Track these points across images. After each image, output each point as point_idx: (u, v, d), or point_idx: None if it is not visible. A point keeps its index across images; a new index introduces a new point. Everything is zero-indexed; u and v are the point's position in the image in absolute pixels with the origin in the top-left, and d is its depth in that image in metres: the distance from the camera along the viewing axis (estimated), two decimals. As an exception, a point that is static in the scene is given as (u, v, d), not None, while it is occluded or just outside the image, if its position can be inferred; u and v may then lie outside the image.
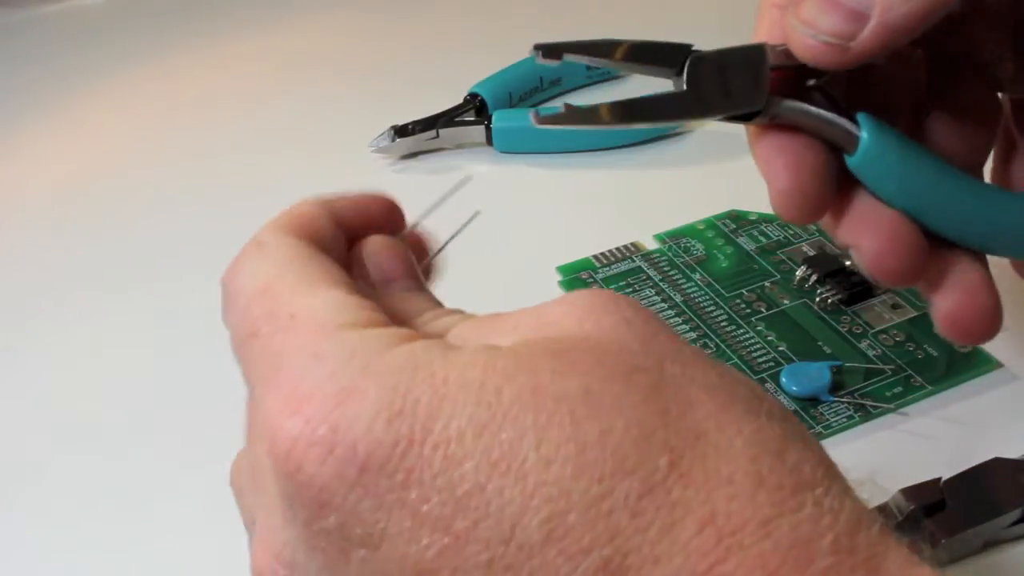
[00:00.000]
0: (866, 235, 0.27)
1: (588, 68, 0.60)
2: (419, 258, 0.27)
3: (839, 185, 0.27)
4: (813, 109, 0.27)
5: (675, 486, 0.18)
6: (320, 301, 0.22)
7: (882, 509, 0.32)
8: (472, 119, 0.55)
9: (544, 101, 0.59)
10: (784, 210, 0.27)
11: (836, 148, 0.27)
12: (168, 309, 0.45)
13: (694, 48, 0.27)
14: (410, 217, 0.27)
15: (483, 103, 0.56)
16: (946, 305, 0.27)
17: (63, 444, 0.39)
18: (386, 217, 0.27)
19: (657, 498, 0.18)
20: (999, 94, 0.32)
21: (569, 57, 0.27)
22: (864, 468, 0.35)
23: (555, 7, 0.70)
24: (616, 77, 0.61)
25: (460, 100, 0.56)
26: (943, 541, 0.31)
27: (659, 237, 0.46)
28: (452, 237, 0.27)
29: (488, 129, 0.54)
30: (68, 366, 0.43)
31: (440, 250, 0.27)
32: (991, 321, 0.28)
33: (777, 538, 0.17)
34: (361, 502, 0.19)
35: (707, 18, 0.60)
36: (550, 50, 0.27)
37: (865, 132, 0.27)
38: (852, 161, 0.27)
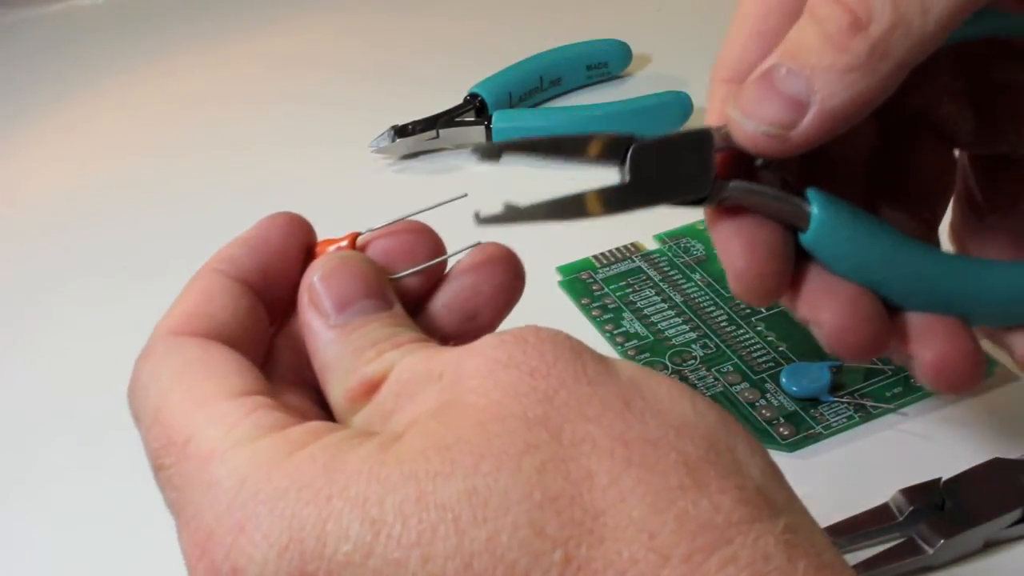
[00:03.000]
0: (825, 310, 0.26)
1: (588, 68, 0.60)
2: (403, 259, 0.26)
3: (796, 261, 0.27)
4: (762, 189, 0.26)
5: None
6: (208, 421, 0.21)
7: (882, 509, 0.33)
8: (472, 119, 0.55)
9: (544, 101, 0.59)
10: (742, 292, 0.27)
11: (789, 226, 0.27)
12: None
13: (637, 137, 0.26)
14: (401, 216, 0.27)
15: (483, 103, 0.56)
16: (929, 356, 0.27)
17: (63, 443, 0.39)
18: (292, 237, 0.26)
19: None
20: (955, 152, 0.32)
21: (508, 157, 0.26)
22: (864, 468, 0.35)
23: (555, 7, 0.70)
24: (616, 78, 0.61)
25: (460, 100, 0.56)
26: (943, 541, 0.31)
27: (659, 237, 0.46)
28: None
29: (488, 129, 0.54)
30: (68, 365, 0.43)
31: (426, 265, 0.26)
32: (976, 366, 0.27)
33: None
34: None
35: (705, 17, 0.60)
36: (488, 152, 0.26)
37: (816, 208, 0.26)
38: (805, 238, 0.26)
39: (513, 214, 0.26)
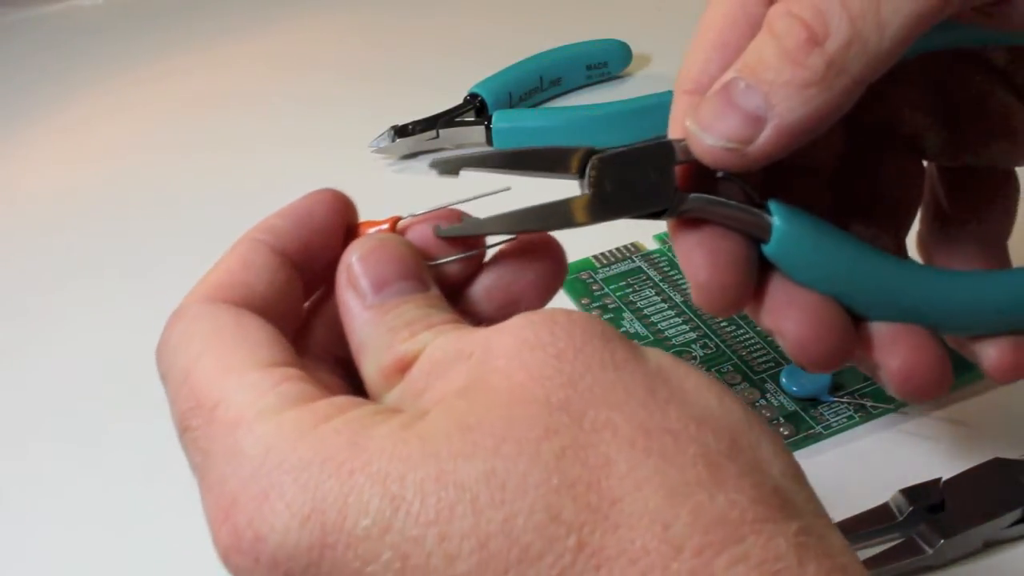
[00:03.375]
0: (788, 321, 0.26)
1: (588, 67, 0.60)
2: (442, 245, 0.26)
3: (760, 271, 0.27)
4: (723, 201, 0.26)
5: (586, 568, 0.18)
6: (238, 388, 0.22)
7: (882, 509, 0.33)
8: (472, 119, 0.55)
9: (544, 101, 0.59)
10: (705, 303, 0.27)
11: (752, 237, 0.27)
12: (168, 309, 0.45)
13: (597, 149, 0.26)
14: (410, 213, 0.27)
15: (483, 103, 0.56)
16: (895, 365, 0.27)
17: (63, 443, 0.39)
18: (336, 214, 0.26)
19: None
20: (923, 162, 0.32)
21: (467, 171, 0.26)
22: (864, 468, 0.35)
23: (555, 7, 0.70)
24: (616, 78, 0.61)
25: (460, 100, 0.56)
26: (943, 541, 0.31)
27: (659, 237, 0.46)
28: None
29: (488, 129, 0.54)
30: (68, 365, 0.43)
31: (465, 255, 0.26)
32: (944, 374, 0.27)
33: None
34: None
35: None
36: (446, 166, 0.26)
37: (777, 219, 0.26)
38: (768, 249, 0.26)
39: (472, 225, 0.26)
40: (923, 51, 0.26)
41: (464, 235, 0.26)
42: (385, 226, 0.26)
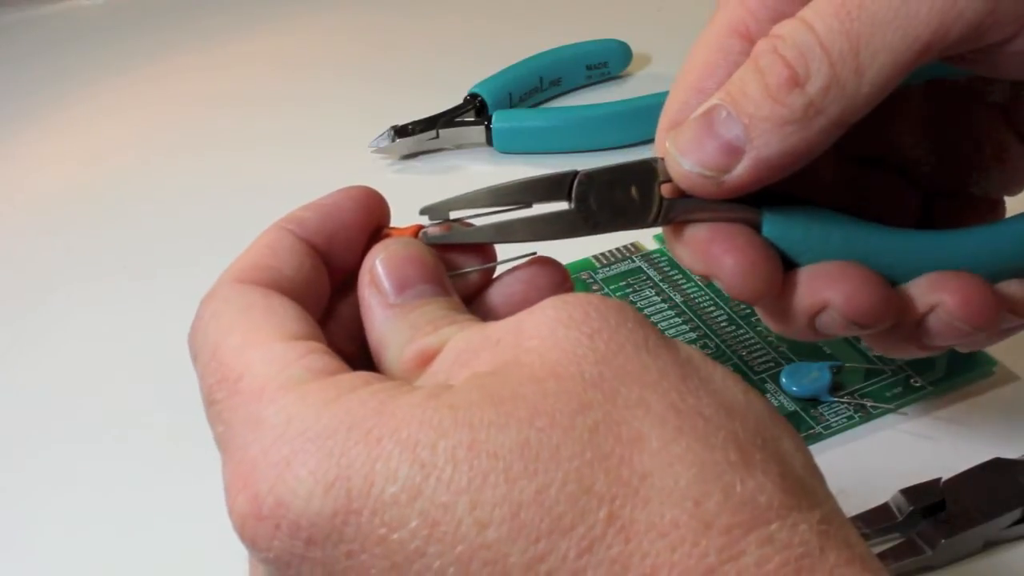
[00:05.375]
0: (832, 291, 0.26)
1: (588, 68, 0.60)
2: (459, 257, 0.27)
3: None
4: (711, 203, 0.27)
5: (615, 541, 0.18)
6: (262, 359, 0.22)
7: (882, 509, 0.33)
8: (472, 119, 0.55)
9: (544, 101, 0.59)
10: (744, 290, 0.27)
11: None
12: (168, 309, 0.45)
13: (580, 170, 0.27)
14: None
15: (483, 103, 0.56)
16: (953, 300, 0.27)
17: (63, 443, 0.39)
18: (364, 212, 0.27)
19: (596, 555, 0.18)
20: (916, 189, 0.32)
21: (456, 214, 0.27)
22: (864, 468, 0.35)
23: (555, 7, 0.70)
24: (616, 77, 0.61)
25: (460, 100, 0.56)
26: (943, 541, 0.31)
27: (659, 237, 0.46)
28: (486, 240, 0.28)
29: (488, 129, 0.54)
30: (68, 365, 0.43)
31: (481, 268, 0.27)
32: (995, 302, 0.27)
33: None
34: (313, 571, 0.19)
35: (705, 17, 0.59)
36: (435, 213, 0.27)
37: (766, 211, 0.27)
38: (766, 231, 0.27)
39: (460, 233, 0.27)
40: (923, 80, 0.26)
41: (451, 243, 0.27)
42: (408, 234, 0.27)
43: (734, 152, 0.25)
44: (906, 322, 0.27)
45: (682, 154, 0.26)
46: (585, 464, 0.18)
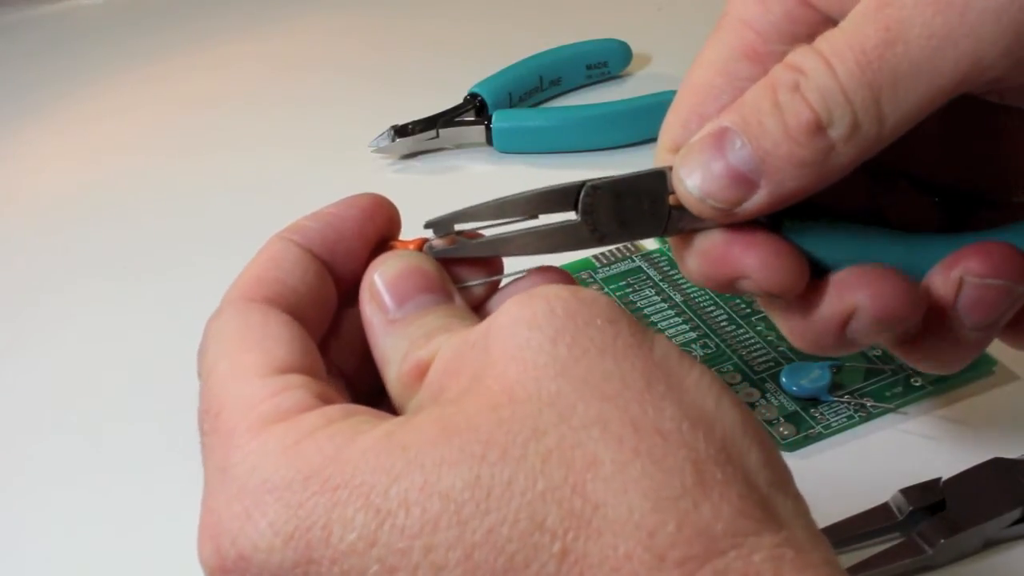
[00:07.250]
0: (860, 292, 0.26)
1: (588, 67, 0.60)
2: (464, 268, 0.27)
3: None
4: None
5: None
6: (238, 395, 0.22)
7: (882, 509, 0.33)
8: (472, 119, 0.55)
9: (544, 101, 0.59)
10: (775, 283, 0.26)
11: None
12: (167, 308, 0.45)
13: (588, 181, 0.26)
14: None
15: (483, 103, 0.56)
16: (979, 275, 0.26)
17: (63, 443, 0.39)
18: (368, 222, 0.27)
19: None
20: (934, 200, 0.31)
21: (460, 226, 0.27)
22: (864, 468, 0.35)
23: (555, 7, 0.70)
24: (616, 78, 0.61)
25: (460, 100, 0.56)
26: (943, 541, 0.31)
27: (660, 237, 0.46)
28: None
29: (488, 129, 0.54)
30: (68, 365, 0.43)
31: (488, 280, 0.27)
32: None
33: None
34: None
35: (705, 17, 0.59)
36: (440, 226, 0.27)
37: (782, 214, 0.26)
38: (786, 234, 0.26)
39: (464, 246, 0.27)
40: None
41: (455, 256, 0.26)
42: (412, 247, 0.27)
43: (749, 186, 0.24)
44: (934, 317, 0.27)
45: (690, 177, 0.25)
46: (537, 497, 0.18)
